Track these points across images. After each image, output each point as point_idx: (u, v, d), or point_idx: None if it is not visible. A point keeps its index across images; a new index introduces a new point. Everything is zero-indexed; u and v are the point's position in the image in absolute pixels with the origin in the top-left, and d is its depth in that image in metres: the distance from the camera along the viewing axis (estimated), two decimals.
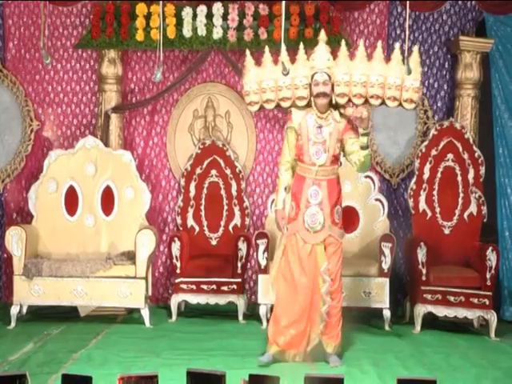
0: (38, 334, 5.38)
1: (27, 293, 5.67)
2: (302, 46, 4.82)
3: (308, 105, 4.71)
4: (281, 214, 4.72)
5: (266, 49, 4.89)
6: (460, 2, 6.56)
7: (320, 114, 4.65)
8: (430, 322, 5.79)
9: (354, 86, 4.63)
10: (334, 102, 4.67)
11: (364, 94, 4.65)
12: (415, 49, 4.71)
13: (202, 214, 6.43)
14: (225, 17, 6.28)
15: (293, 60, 4.78)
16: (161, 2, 5.42)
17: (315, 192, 4.64)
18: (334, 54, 4.73)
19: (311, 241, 4.64)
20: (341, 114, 4.70)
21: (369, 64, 4.65)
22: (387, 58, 4.70)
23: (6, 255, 6.49)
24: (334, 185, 4.71)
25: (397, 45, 4.77)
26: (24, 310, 5.78)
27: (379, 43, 4.76)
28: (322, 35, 4.72)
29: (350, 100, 4.69)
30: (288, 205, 4.73)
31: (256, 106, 4.84)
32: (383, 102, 4.70)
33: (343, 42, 4.79)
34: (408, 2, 5.17)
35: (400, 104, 4.69)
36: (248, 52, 4.92)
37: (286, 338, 4.63)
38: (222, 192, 6.45)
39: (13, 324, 5.66)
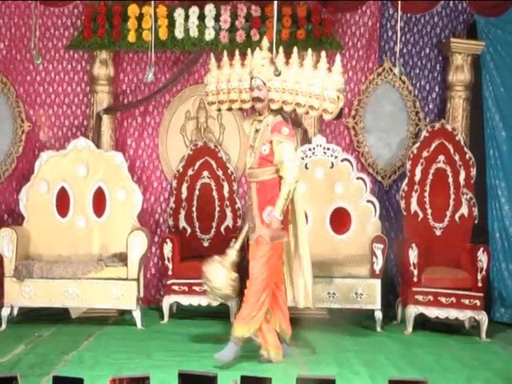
0: (28, 335, 5.36)
1: (18, 294, 5.65)
2: (249, 51, 4.89)
3: (253, 108, 4.83)
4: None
5: (225, 53, 4.98)
6: (451, 4, 6.60)
7: (259, 117, 4.77)
8: (422, 323, 5.81)
9: (283, 93, 4.68)
10: (268, 109, 4.72)
11: (291, 101, 4.68)
12: (337, 58, 4.72)
13: (194, 215, 6.42)
14: (217, 18, 6.28)
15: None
16: (152, 3, 5.42)
17: (249, 194, 4.79)
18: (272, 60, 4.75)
19: (251, 240, 4.77)
20: (275, 114, 4.70)
21: (300, 72, 4.66)
22: (315, 67, 4.67)
23: None
24: (265, 186, 4.68)
25: (323, 53, 4.74)
26: (15, 312, 5.74)
27: (309, 53, 4.72)
28: (265, 41, 4.78)
29: (281, 106, 4.72)
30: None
31: (214, 106, 5.02)
32: (307, 112, 4.73)
33: (281, 49, 4.81)
34: (400, 3, 5.20)
35: (320, 113, 4.70)
36: (212, 55, 5.06)
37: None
38: (214, 193, 6.45)
39: (3, 326, 5.64)
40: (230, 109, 5.01)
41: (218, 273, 4.71)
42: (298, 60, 4.70)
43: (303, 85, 4.63)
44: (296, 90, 4.64)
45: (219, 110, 5.08)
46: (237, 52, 4.96)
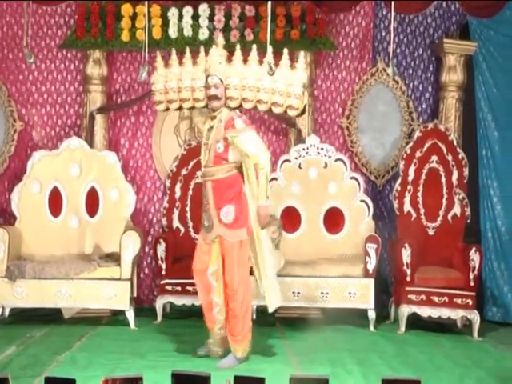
0: (20, 336, 5.33)
1: (10, 295, 5.62)
2: (202, 48, 4.85)
3: (206, 107, 4.78)
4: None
5: (173, 51, 4.92)
6: (444, 5, 6.62)
7: (212, 115, 4.70)
8: (415, 322, 5.82)
9: (243, 90, 4.64)
10: (225, 104, 4.66)
11: (252, 99, 4.65)
12: (301, 54, 4.70)
13: (188, 215, 6.41)
14: (211, 18, 6.28)
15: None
16: (146, 2, 5.42)
17: (205, 194, 4.71)
18: (229, 58, 4.73)
19: (206, 238, 4.72)
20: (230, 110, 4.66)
21: (259, 70, 4.64)
22: (277, 64, 4.61)
23: None
24: (222, 185, 4.63)
25: (285, 50, 4.73)
26: (7, 313, 5.71)
27: (269, 50, 4.62)
28: (220, 39, 4.77)
29: (240, 104, 4.69)
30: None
31: (162, 106, 4.93)
32: (270, 108, 4.70)
33: (238, 47, 4.79)
34: (393, 4, 5.21)
35: (285, 111, 4.69)
36: (158, 52, 5.00)
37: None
38: None
39: None
40: (179, 108, 4.93)
41: None
42: (257, 58, 4.66)
43: (265, 82, 4.59)
44: (258, 86, 4.61)
45: (167, 109, 4.96)
46: (187, 50, 4.87)
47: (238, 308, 4.62)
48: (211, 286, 4.69)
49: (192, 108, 4.92)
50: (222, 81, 4.61)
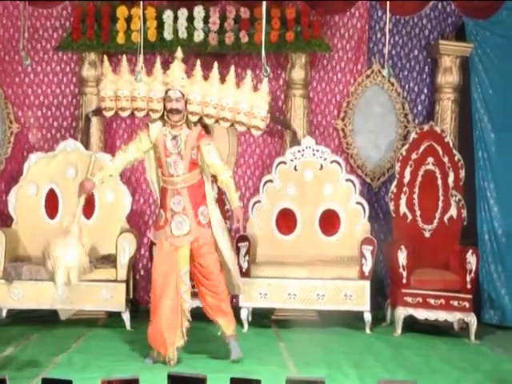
0: (17, 337, 5.34)
1: (7, 296, 5.62)
2: (158, 61, 4.89)
3: (162, 117, 4.81)
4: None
5: (124, 58, 4.93)
6: (440, 6, 6.62)
7: (173, 125, 4.76)
8: (411, 324, 5.82)
9: (206, 107, 4.74)
10: (184, 118, 4.76)
11: (215, 115, 4.76)
12: (265, 81, 4.81)
13: None
14: (206, 20, 6.28)
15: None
16: (141, 4, 5.41)
17: (178, 201, 4.76)
18: (189, 73, 4.82)
19: (178, 244, 4.76)
20: (194, 124, 4.79)
21: (221, 87, 4.75)
22: (238, 84, 4.79)
23: None
24: (195, 189, 4.79)
25: (248, 73, 4.85)
26: (3, 314, 5.72)
27: (232, 70, 4.80)
28: (179, 52, 4.81)
29: (201, 118, 4.79)
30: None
31: (111, 112, 4.93)
32: (232, 125, 4.83)
33: (198, 62, 4.84)
34: (388, 5, 5.21)
35: (248, 129, 4.83)
36: (105, 58, 5.01)
37: (163, 340, 4.74)
38: None
39: None
40: (131, 115, 4.96)
41: (72, 248, 4.66)
42: (218, 76, 4.77)
43: (229, 101, 4.73)
44: (221, 104, 4.73)
45: (115, 114, 4.98)
46: (140, 59, 4.87)
47: (223, 293, 4.86)
48: (183, 287, 4.78)
49: (145, 116, 4.94)
50: (183, 95, 4.70)
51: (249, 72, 4.87)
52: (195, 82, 4.76)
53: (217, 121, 4.81)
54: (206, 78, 4.80)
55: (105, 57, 5.06)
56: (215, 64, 4.82)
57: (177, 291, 4.78)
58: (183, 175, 4.75)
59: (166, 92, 4.72)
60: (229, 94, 4.73)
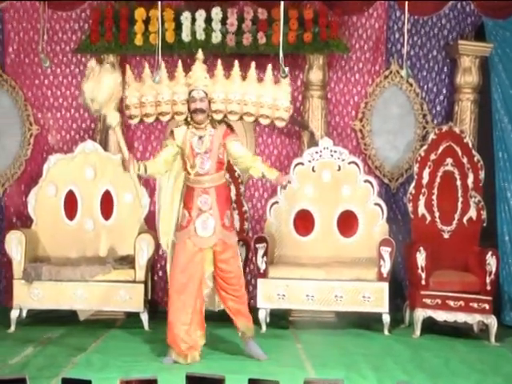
0: (37, 337, 5.39)
1: (27, 297, 5.66)
2: (180, 64, 4.95)
3: (186, 120, 4.87)
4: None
5: (146, 65, 5.00)
6: (459, 6, 6.57)
7: (198, 126, 4.81)
8: (430, 326, 5.78)
9: (230, 104, 4.82)
10: (209, 117, 4.82)
11: (239, 111, 4.85)
12: (286, 71, 4.85)
13: None
14: (224, 21, 6.29)
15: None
16: (159, 6, 5.44)
17: (205, 200, 4.80)
18: (210, 74, 4.87)
19: (203, 245, 4.80)
20: (219, 123, 4.87)
21: (243, 83, 4.84)
22: (260, 78, 4.87)
23: (5, 259, 6.49)
24: (221, 190, 4.88)
25: (269, 66, 4.90)
26: (24, 314, 5.77)
27: (252, 66, 4.88)
28: (200, 54, 4.86)
29: (225, 116, 4.86)
30: (172, 212, 4.93)
31: (136, 119, 4.99)
32: (256, 119, 4.90)
33: (219, 62, 4.90)
34: (407, 5, 5.19)
35: (272, 121, 4.90)
36: (128, 66, 5.08)
37: (183, 342, 4.77)
38: None
39: (13, 328, 5.66)
40: (155, 121, 5.03)
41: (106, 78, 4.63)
42: (240, 73, 4.85)
43: (252, 96, 4.80)
44: (245, 100, 4.82)
45: (141, 122, 5.04)
46: (162, 63, 4.95)
47: (243, 297, 4.95)
48: (205, 289, 4.86)
49: (169, 120, 5.05)
50: (206, 94, 4.76)
51: (269, 65, 4.91)
52: (217, 81, 4.83)
53: (241, 117, 4.86)
54: (226, 77, 4.86)
55: (127, 66, 5.12)
56: (236, 62, 4.89)
57: (199, 293, 4.82)
58: (211, 175, 4.81)
59: (190, 93, 4.78)
60: (251, 89, 4.81)
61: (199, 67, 4.82)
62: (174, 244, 4.92)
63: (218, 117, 4.84)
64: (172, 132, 4.90)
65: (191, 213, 4.81)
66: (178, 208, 4.93)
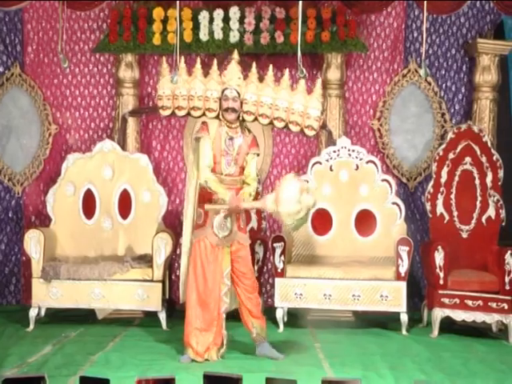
0: (56, 336, 5.42)
1: (45, 295, 5.71)
2: (215, 61, 4.93)
3: (217, 117, 4.86)
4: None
5: (182, 59, 4.96)
6: (478, 5, 6.53)
7: (230, 125, 4.82)
8: (448, 326, 5.75)
9: (261, 107, 4.81)
10: (241, 118, 4.83)
11: (269, 115, 4.83)
12: (318, 82, 4.87)
13: None
14: (241, 20, 6.30)
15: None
16: (178, 5, 5.45)
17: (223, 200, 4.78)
18: (246, 74, 4.88)
19: (219, 244, 4.81)
20: (249, 131, 4.90)
21: (276, 88, 4.82)
22: (293, 87, 4.85)
23: (24, 258, 6.55)
24: (239, 193, 4.85)
25: (302, 82, 4.88)
26: (42, 313, 5.82)
27: (286, 72, 4.87)
28: (235, 54, 4.88)
29: (256, 119, 4.85)
30: (189, 211, 4.96)
31: (168, 111, 4.97)
32: (286, 125, 4.86)
33: (254, 64, 4.89)
34: (425, 4, 5.16)
35: (302, 129, 4.86)
36: (164, 58, 5.06)
37: (200, 341, 4.78)
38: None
39: (31, 326, 5.70)
40: (186, 115, 4.99)
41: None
42: (273, 78, 4.85)
43: (284, 102, 4.79)
44: (276, 105, 4.80)
45: (171, 114, 5.02)
46: (198, 60, 4.95)
47: (256, 298, 4.96)
48: (224, 288, 4.84)
49: (200, 116, 4.98)
50: (239, 94, 4.77)
51: (302, 81, 4.89)
52: (251, 82, 4.83)
53: (271, 121, 4.86)
54: (245, 77, 4.87)
55: (163, 58, 5.11)
56: (270, 66, 4.91)
57: (217, 291, 4.83)
58: (233, 177, 4.85)
59: (223, 91, 4.80)
60: (283, 95, 4.80)
61: (235, 67, 4.84)
62: (192, 242, 4.94)
63: (249, 118, 4.84)
64: (205, 123, 4.87)
65: (208, 212, 4.83)
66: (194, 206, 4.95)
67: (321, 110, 4.86)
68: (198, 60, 4.96)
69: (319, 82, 4.89)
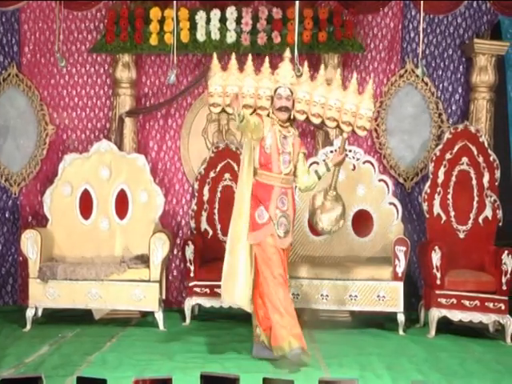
0: (53, 336, 5.42)
1: (42, 296, 5.70)
2: (267, 58, 4.91)
3: (268, 115, 4.81)
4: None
5: (233, 55, 4.94)
6: (475, 5, 6.54)
7: (282, 124, 4.79)
8: (445, 326, 5.75)
9: (314, 106, 4.77)
10: (292, 117, 4.80)
11: (322, 115, 4.80)
12: (370, 82, 4.87)
13: (216, 217, 6.44)
14: (238, 21, 6.30)
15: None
16: (174, 6, 5.45)
17: (283, 200, 4.77)
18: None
19: (280, 245, 4.75)
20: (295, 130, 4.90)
21: (328, 88, 4.80)
22: (345, 86, 4.86)
23: (21, 258, 6.54)
24: (293, 194, 4.91)
25: (354, 75, 4.90)
26: (39, 313, 5.80)
27: (338, 72, 4.91)
28: (287, 53, 4.83)
29: (307, 118, 4.83)
30: (245, 211, 4.76)
31: (218, 108, 4.92)
32: (338, 125, 4.83)
33: (305, 63, 4.89)
34: (422, 4, 5.16)
35: (353, 129, 4.83)
36: (215, 55, 4.99)
37: (296, 335, 4.63)
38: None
39: (28, 326, 5.70)
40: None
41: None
42: (325, 77, 4.83)
43: (336, 101, 4.74)
44: (329, 104, 4.75)
45: (222, 112, 4.97)
46: (249, 57, 4.93)
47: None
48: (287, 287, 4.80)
49: (251, 114, 4.84)
50: (292, 93, 4.73)
51: (354, 75, 4.92)
52: (303, 81, 4.79)
53: (323, 121, 4.82)
54: (311, 78, 4.87)
55: (214, 54, 5.03)
56: (322, 66, 4.92)
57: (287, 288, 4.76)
58: (288, 176, 4.80)
59: (276, 90, 4.75)
60: (336, 94, 4.76)
61: (287, 65, 4.78)
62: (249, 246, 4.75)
63: (302, 117, 4.80)
64: (259, 114, 4.79)
65: (269, 210, 4.71)
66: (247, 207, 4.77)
67: (373, 110, 4.82)
68: (250, 57, 4.92)
69: (371, 82, 4.86)
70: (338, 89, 4.80)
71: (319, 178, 4.91)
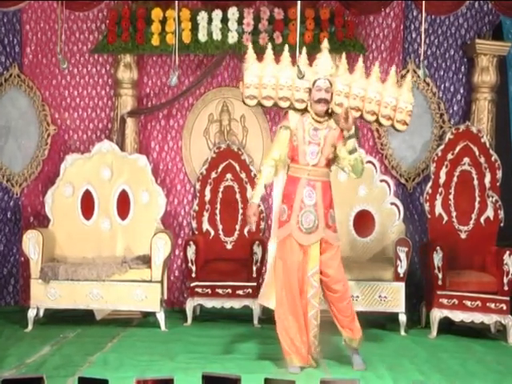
0: (54, 337, 5.42)
1: (44, 296, 5.71)
2: (304, 49, 4.79)
3: (305, 109, 4.68)
4: (254, 209, 4.59)
5: (269, 46, 4.83)
6: (476, 6, 6.53)
7: (317, 118, 4.63)
8: (447, 326, 5.75)
9: (353, 99, 4.64)
10: (330, 110, 4.65)
11: (361, 108, 4.67)
12: (409, 75, 4.81)
13: (218, 218, 6.44)
14: (240, 21, 6.30)
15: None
16: (176, 6, 5.45)
17: (310, 193, 4.59)
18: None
19: (305, 242, 4.57)
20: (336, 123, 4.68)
21: (367, 80, 4.69)
22: (383, 79, 4.73)
23: (23, 259, 6.54)
24: (327, 188, 4.66)
25: (393, 68, 4.83)
26: (41, 313, 5.82)
27: (376, 65, 4.79)
28: (325, 43, 4.73)
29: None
30: (270, 208, 4.78)
31: (254, 101, 4.73)
32: (377, 119, 4.71)
33: (343, 55, 4.80)
34: (424, 5, 5.16)
35: (392, 124, 4.72)
36: (250, 45, 4.87)
37: (300, 345, 4.58)
38: (237, 196, 6.46)
39: (30, 327, 5.70)
40: (273, 106, 4.77)
41: None
42: (363, 69, 4.72)
43: (376, 94, 4.63)
44: (369, 97, 4.64)
45: (258, 105, 4.80)
46: (286, 48, 4.80)
47: (347, 308, 4.70)
48: (311, 290, 4.58)
49: (288, 108, 4.73)
50: (331, 85, 4.59)
51: (393, 67, 4.85)
52: (341, 73, 4.66)
53: (361, 115, 4.69)
54: (350, 71, 4.74)
55: (250, 44, 4.93)
56: (360, 58, 4.78)
57: (301, 294, 4.56)
58: (319, 167, 4.60)
59: (314, 82, 4.58)
60: (375, 87, 4.63)
61: (326, 56, 4.63)
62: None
63: (340, 110, 4.59)
64: (287, 113, 4.69)
65: (293, 205, 4.56)
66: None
67: (413, 104, 4.70)
68: (286, 47, 4.78)
69: (409, 74, 4.77)
70: (377, 81, 4.66)
71: (353, 151, 4.57)
